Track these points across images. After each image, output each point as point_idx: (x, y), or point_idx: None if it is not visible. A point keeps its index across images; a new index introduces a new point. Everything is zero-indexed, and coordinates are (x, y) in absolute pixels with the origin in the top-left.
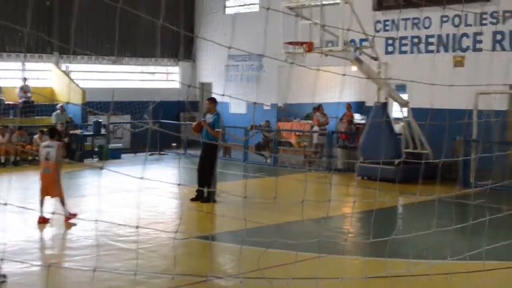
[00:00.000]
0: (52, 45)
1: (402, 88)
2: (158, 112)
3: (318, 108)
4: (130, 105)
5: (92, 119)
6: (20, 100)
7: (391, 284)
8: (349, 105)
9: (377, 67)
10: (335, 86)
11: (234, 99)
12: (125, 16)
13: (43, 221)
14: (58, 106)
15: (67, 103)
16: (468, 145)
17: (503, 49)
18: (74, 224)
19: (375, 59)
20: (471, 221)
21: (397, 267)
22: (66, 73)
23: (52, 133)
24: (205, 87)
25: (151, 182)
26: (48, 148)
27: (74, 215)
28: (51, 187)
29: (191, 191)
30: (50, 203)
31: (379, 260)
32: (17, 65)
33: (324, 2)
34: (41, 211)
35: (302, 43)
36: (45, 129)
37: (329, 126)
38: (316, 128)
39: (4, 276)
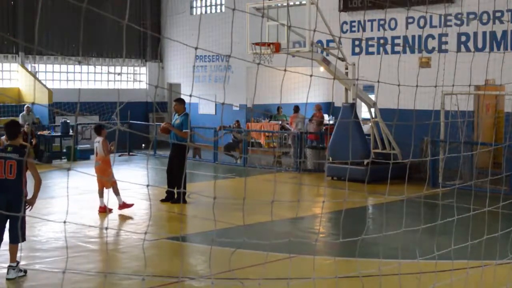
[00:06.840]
0: (17, 45)
1: (371, 88)
2: (126, 113)
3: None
4: (98, 106)
5: (60, 120)
6: None
7: (362, 284)
8: (318, 106)
9: (345, 68)
10: (303, 87)
11: (203, 99)
12: (91, 15)
13: (103, 210)
14: (24, 107)
15: (33, 103)
16: (436, 145)
17: (467, 50)
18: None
19: (342, 59)
20: (439, 221)
21: (368, 267)
22: (32, 74)
23: (98, 129)
24: (174, 88)
25: (121, 183)
26: (96, 143)
27: (129, 205)
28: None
29: (161, 192)
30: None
31: (350, 260)
32: None
33: (290, 3)
34: (101, 202)
35: (269, 44)
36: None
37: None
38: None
39: (25, 271)
